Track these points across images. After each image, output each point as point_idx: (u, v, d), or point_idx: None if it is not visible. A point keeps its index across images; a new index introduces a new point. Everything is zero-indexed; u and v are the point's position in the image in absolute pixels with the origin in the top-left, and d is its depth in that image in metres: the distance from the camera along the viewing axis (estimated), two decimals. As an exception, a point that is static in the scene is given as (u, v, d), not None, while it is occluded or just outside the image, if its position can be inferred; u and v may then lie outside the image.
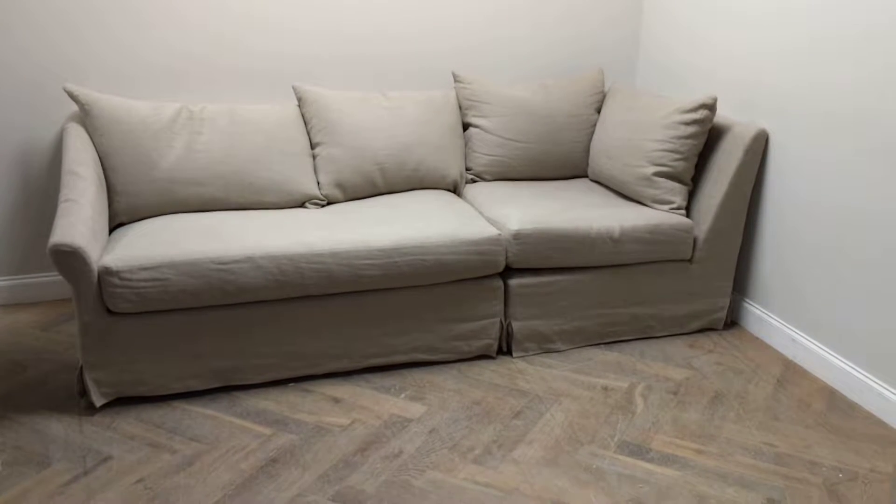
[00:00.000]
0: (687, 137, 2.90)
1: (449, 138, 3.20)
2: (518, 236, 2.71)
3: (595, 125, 3.35)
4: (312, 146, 3.07)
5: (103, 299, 2.36)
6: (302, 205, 2.99)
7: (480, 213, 2.95)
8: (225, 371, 2.55)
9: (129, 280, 2.36)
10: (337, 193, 3.03)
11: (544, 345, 2.85)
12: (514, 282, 2.77)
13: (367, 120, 3.08)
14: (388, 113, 3.13)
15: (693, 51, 3.32)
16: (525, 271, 2.79)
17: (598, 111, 3.38)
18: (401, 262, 2.59)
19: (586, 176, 3.39)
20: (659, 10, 3.54)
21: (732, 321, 3.13)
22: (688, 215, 2.98)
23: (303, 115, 3.09)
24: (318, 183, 3.03)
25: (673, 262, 2.93)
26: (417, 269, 2.61)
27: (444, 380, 2.66)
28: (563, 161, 3.32)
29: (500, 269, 2.74)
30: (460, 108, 3.31)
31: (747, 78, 3.01)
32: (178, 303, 2.42)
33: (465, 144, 3.30)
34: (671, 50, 3.48)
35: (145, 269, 2.38)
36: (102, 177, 2.75)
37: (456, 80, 3.32)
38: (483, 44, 3.48)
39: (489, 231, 2.70)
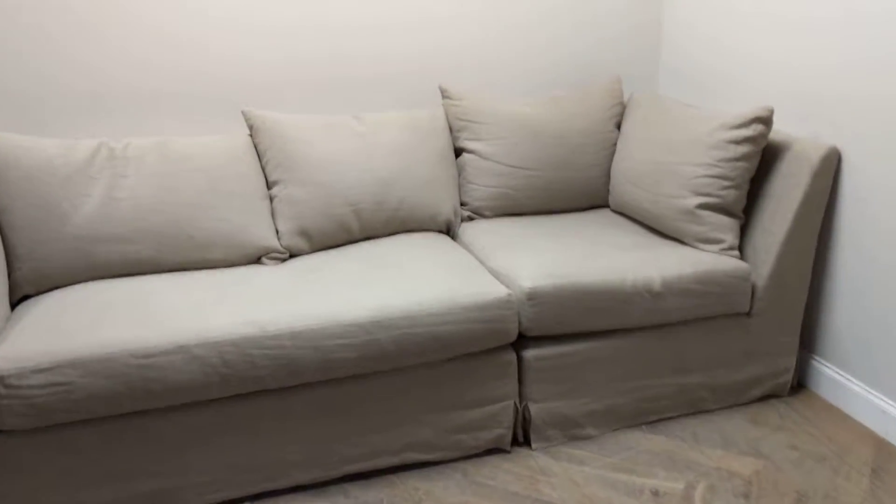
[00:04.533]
0: (738, 159, 2.31)
1: (438, 168, 2.60)
2: (533, 296, 2.11)
3: (615, 144, 2.75)
4: (269, 185, 2.46)
5: (-16, 414, 1.75)
6: (258, 260, 2.38)
7: (482, 262, 2.34)
8: (158, 494, 1.93)
9: (20, 387, 1.76)
10: (301, 243, 2.42)
11: (571, 431, 2.25)
12: (529, 353, 2.17)
13: (337, 150, 2.47)
14: (361, 140, 2.52)
15: (728, 52, 2.73)
16: (543, 339, 2.19)
17: (618, 127, 2.79)
18: (383, 340, 1.99)
19: (607, 206, 2.79)
20: (683, 8, 2.95)
21: (799, 383, 2.53)
22: (741, 256, 2.37)
23: (256, 148, 2.48)
24: (278, 231, 2.41)
25: (727, 318, 2.33)
26: (405, 347, 2.01)
27: (445, 487, 2.06)
28: (578, 190, 2.72)
29: (512, 338, 2.14)
30: (451, 130, 2.70)
31: (804, 84, 2.42)
32: (88, 412, 1.82)
33: (459, 174, 2.69)
34: (699, 53, 2.88)
35: (41, 370, 1.78)
36: (-3, 238, 2.14)
37: (444, 97, 2.72)
38: (477, 55, 2.88)
39: (496, 291, 2.10)
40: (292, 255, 2.42)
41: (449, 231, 2.62)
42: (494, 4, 2.84)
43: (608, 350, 2.23)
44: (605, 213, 2.74)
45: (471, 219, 2.68)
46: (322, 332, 1.95)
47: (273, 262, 2.37)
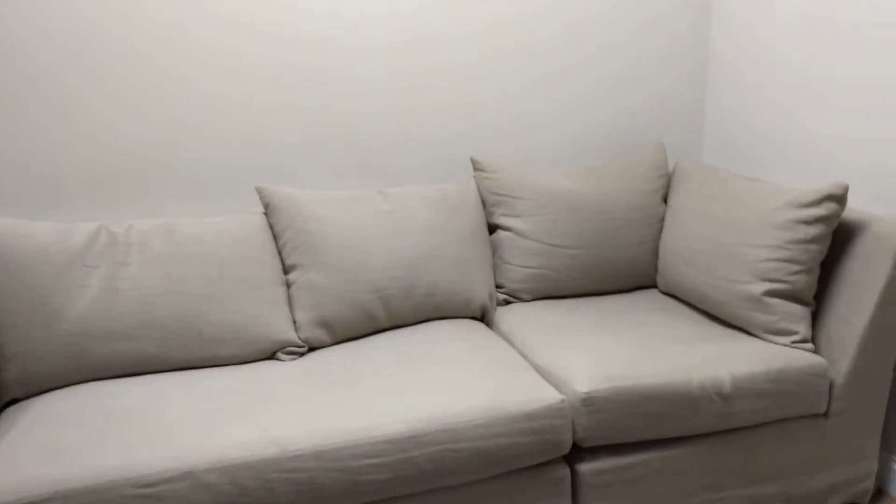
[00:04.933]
0: (809, 241, 2.07)
1: (471, 247, 2.36)
2: (590, 401, 1.86)
3: (663, 219, 2.52)
4: (286, 271, 2.22)
5: (-45, 559, 1.49)
6: (273, 355, 2.13)
7: (526, 357, 2.10)
8: None
9: (-2, 526, 1.49)
10: (322, 335, 2.17)
11: (632, 554, 1.98)
12: (584, 467, 1.91)
13: (361, 230, 2.24)
14: (388, 218, 2.29)
15: (782, 120, 2.52)
16: (600, 450, 1.93)
17: (665, 200, 2.56)
18: (420, 458, 1.73)
19: (654, 286, 2.55)
20: (730, 67, 2.74)
21: (879, 489, 2.26)
22: (815, 349, 2.12)
23: (272, 228, 2.25)
24: (295, 322, 2.17)
25: (801, 419, 2.07)
26: (444, 465, 1.76)
27: None
28: (624, 270, 2.48)
29: (565, 450, 1.88)
30: (484, 205, 2.47)
31: (875, 157, 2.20)
32: (78, 553, 1.55)
33: (493, 253, 2.46)
34: (749, 119, 2.67)
35: (24, 504, 1.51)
36: (-18, 336, 1.89)
37: (476, 169, 2.50)
38: (505, 118, 2.66)
39: (548, 396, 1.85)
40: (311, 349, 2.17)
41: (484, 317, 2.38)
42: (523, 66, 2.63)
43: (672, 460, 1.97)
44: (653, 295, 2.50)
45: (507, 302, 2.43)
46: (351, 451, 1.69)
47: (290, 356, 2.12)
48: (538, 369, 2.02)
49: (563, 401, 1.85)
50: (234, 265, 2.13)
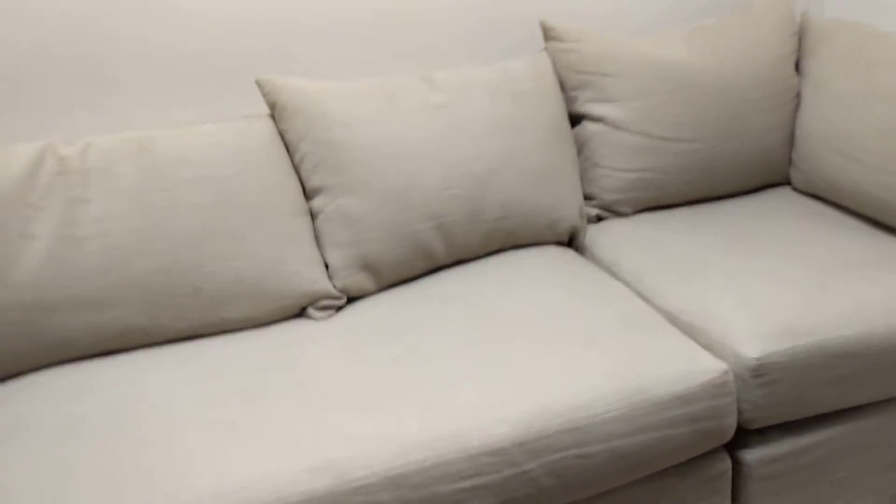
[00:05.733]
0: None
1: (553, 148, 1.75)
2: (763, 369, 1.31)
3: (798, 95, 1.89)
4: (308, 196, 1.62)
5: None
6: (301, 312, 1.56)
7: (648, 302, 1.52)
8: None
9: None
10: (364, 281, 1.59)
11: (811, 561, 1.47)
12: (751, 455, 1.38)
13: (405, 133, 1.63)
14: (440, 115, 1.67)
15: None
16: (770, 430, 1.39)
17: (796, 68, 1.92)
18: (537, 471, 1.20)
19: (787, 183, 1.95)
20: None
21: None
22: None
23: (282, 138, 1.63)
24: (328, 266, 1.59)
25: None
26: (571, 478, 1.23)
27: None
28: (749, 166, 1.88)
29: (728, 437, 1.34)
30: (563, 88, 1.83)
31: None
32: None
33: (579, 153, 1.85)
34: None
35: None
36: None
37: (549, 38, 1.85)
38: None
39: (704, 367, 1.30)
40: (350, 300, 1.60)
41: (572, 242, 1.79)
42: None
43: (861, 433, 1.44)
44: (788, 195, 1.90)
45: (599, 219, 1.84)
46: (441, 471, 1.15)
47: (324, 312, 1.55)
48: (674, 322, 1.45)
49: (725, 372, 1.30)
50: (235, 192, 1.53)
